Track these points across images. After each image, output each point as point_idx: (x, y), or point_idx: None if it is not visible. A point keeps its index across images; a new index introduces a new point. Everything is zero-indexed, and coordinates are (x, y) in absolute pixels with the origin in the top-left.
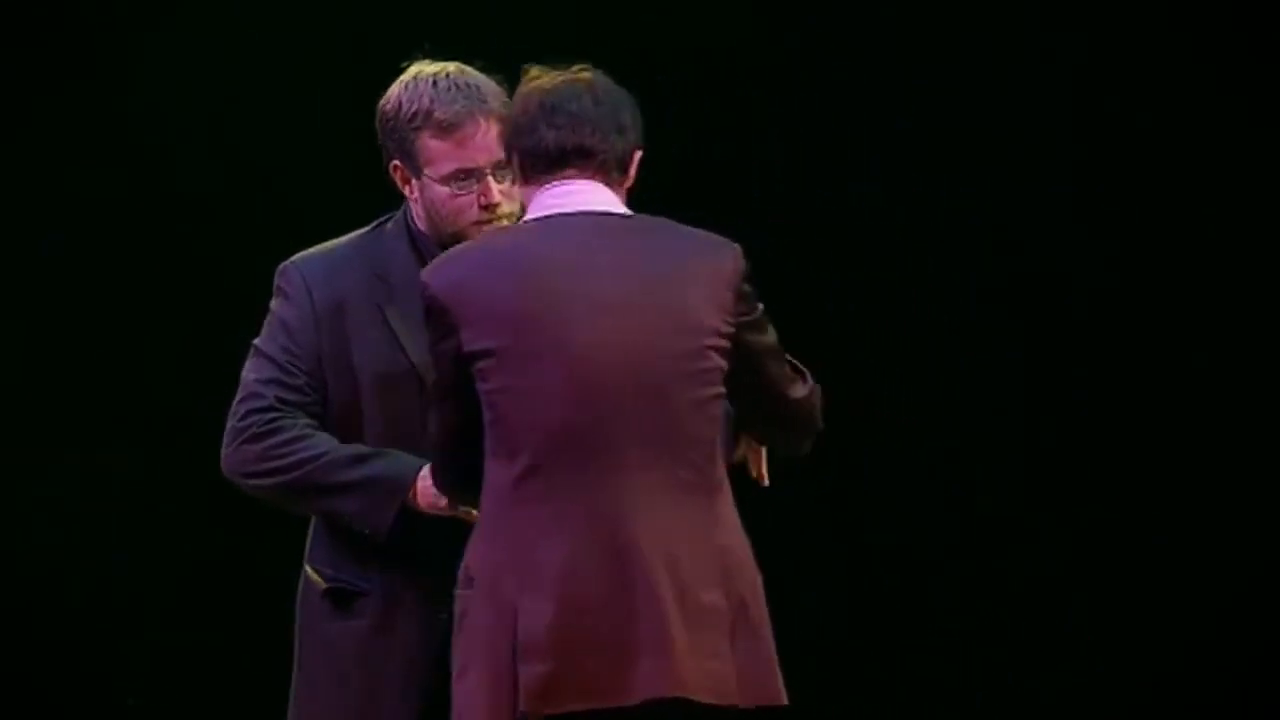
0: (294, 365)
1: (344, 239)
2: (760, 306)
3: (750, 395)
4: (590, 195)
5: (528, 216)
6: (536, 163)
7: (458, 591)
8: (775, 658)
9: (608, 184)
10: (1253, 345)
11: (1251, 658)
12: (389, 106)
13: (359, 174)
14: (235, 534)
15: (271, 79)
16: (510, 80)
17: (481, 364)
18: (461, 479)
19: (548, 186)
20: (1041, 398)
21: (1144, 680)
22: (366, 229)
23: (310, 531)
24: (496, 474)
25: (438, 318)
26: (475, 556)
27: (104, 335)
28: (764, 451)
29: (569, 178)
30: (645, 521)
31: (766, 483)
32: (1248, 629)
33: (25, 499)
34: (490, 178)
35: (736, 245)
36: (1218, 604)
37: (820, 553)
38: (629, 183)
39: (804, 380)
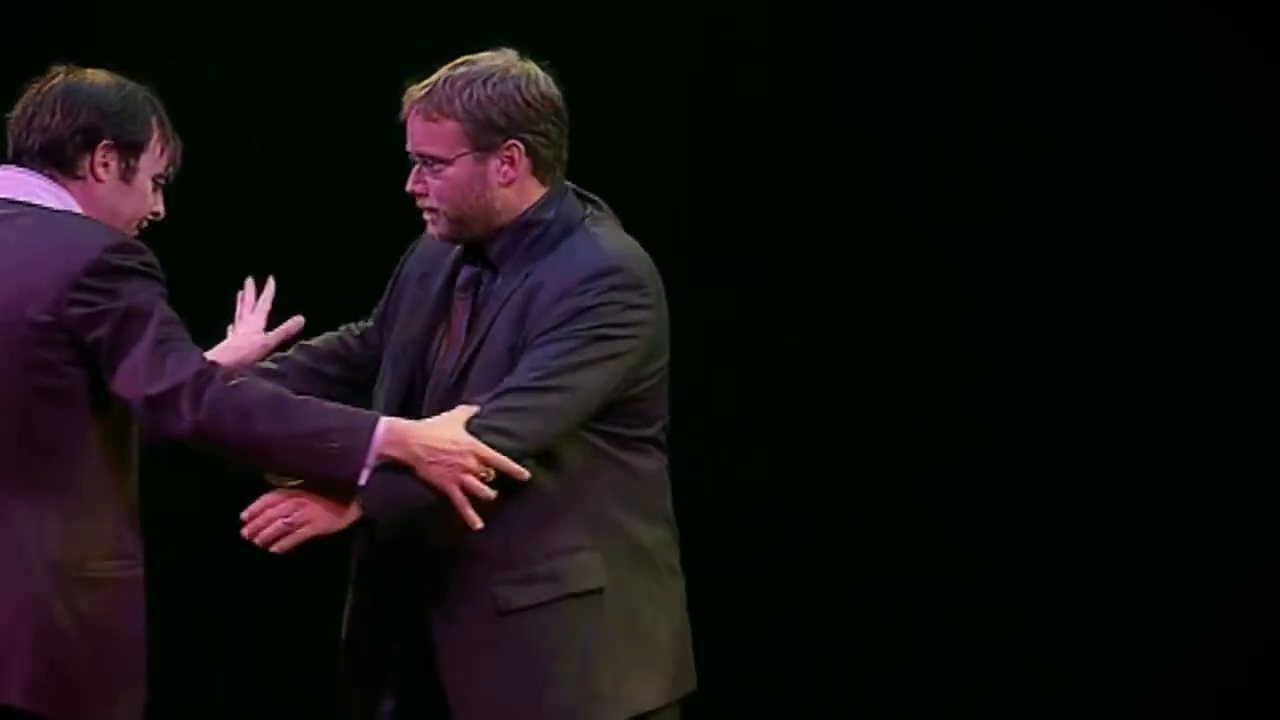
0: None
1: None
2: (114, 303)
3: (118, 390)
4: (10, 182)
5: None
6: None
7: None
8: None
9: (47, 173)
10: (1255, 345)
11: (1252, 657)
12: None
13: (358, 169)
14: (235, 532)
15: (269, 79)
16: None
17: None
18: None
19: None
20: (1040, 399)
21: (1144, 681)
22: None
23: None
24: None
25: None
26: None
27: None
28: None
29: (9, 165)
30: None
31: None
32: (1248, 629)
33: None
34: (419, 168)
35: (115, 238)
36: (1218, 604)
37: (819, 556)
38: (91, 177)
39: (179, 367)
